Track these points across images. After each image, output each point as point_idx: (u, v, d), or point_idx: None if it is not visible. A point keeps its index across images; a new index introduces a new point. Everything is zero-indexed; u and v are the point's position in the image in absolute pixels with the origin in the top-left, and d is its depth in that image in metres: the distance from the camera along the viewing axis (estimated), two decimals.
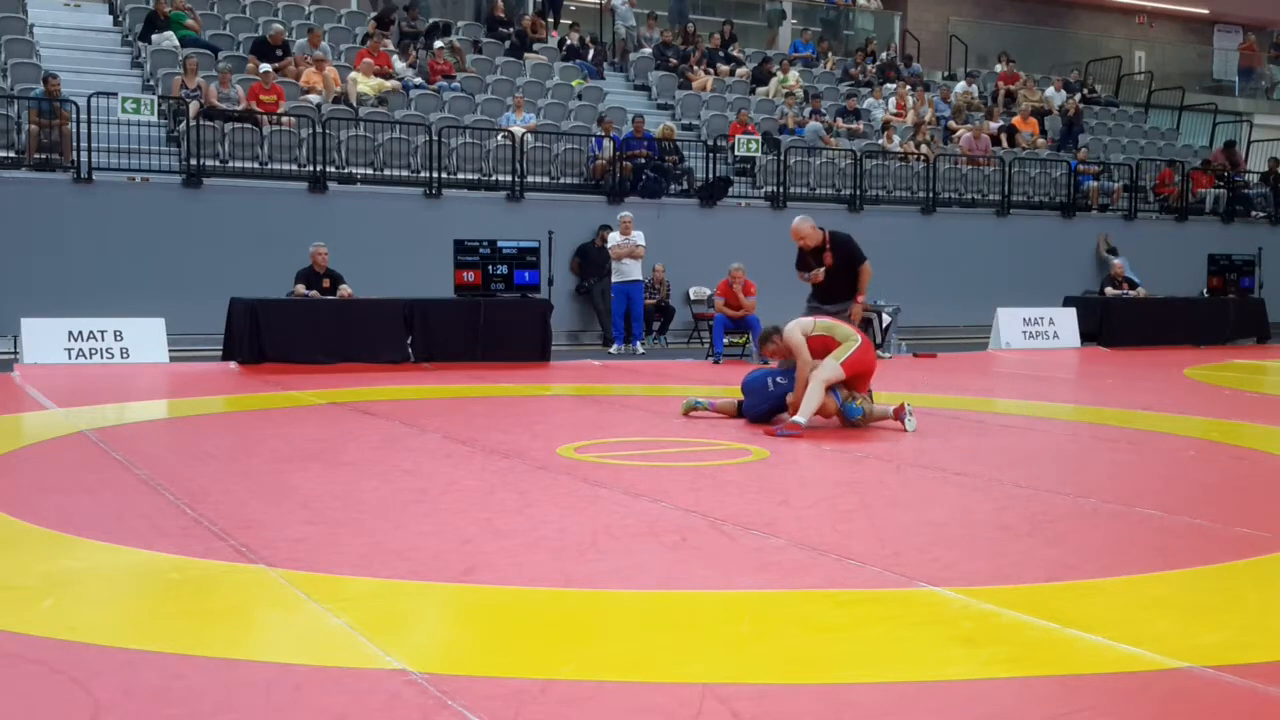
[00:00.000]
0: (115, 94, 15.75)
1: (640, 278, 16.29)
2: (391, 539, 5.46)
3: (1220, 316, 19.44)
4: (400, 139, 17.60)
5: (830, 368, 8.78)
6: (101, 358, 13.36)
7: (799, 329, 8.97)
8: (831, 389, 8.87)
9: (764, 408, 9.25)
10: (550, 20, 23.29)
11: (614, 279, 16.22)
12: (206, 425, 9.37)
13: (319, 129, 16.76)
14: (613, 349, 16.26)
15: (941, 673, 3.79)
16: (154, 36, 18.32)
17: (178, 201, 15.86)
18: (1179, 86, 28.78)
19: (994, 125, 23.48)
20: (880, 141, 21.72)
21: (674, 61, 22.96)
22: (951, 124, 23.35)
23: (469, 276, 14.35)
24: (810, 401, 8.69)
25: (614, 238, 16.21)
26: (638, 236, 16.09)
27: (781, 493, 6.78)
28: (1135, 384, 13.27)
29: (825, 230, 9.97)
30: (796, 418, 8.67)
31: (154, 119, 16.11)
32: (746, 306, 15.12)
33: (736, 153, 19.68)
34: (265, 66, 17.64)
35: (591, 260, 17.65)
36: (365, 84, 18.43)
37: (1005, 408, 11.08)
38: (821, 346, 8.88)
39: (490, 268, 14.40)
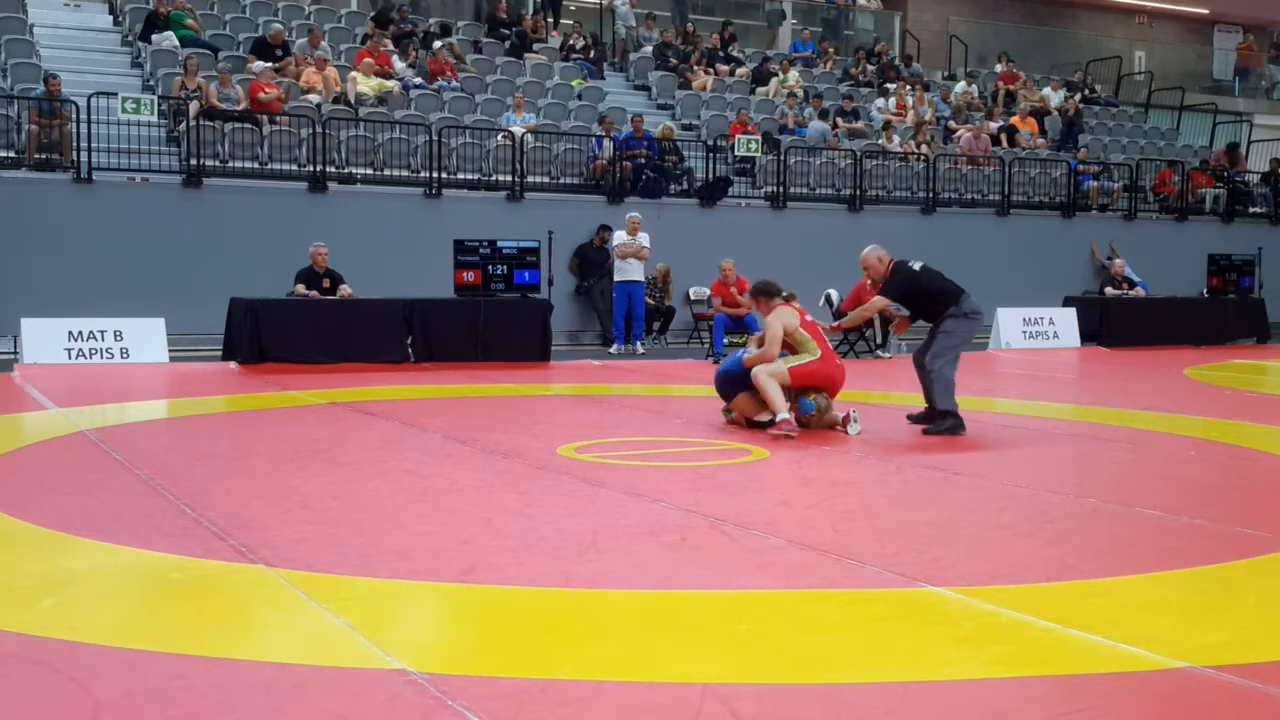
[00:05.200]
0: (115, 94, 15.75)
1: (641, 278, 16.28)
2: (391, 539, 5.46)
3: (1220, 316, 19.43)
4: (400, 139, 17.60)
5: (777, 368, 8.93)
6: (101, 358, 13.36)
7: (782, 319, 9.06)
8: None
9: (733, 369, 9.21)
10: (550, 20, 23.28)
11: (616, 278, 16.21)
12: (206, 425, 9.37)
13: (319, 129, 16.76)
14: (613, 349, 16.25)
15: (941, 673, 3.79)
16: (154, 36, 18.32)
17: (178, 201, 15.85)
18: (1179, 86, 28.76)
19: (994, 125, 23.47)
20: (880, 142, 21.72)
21: (674, 61, 22.96)
22: (951, 124, 23.34)
23: (469, 276, 14.35)
24: (774, 398, 8.79)
25: (620, 236, 16.19)
26: (644, 239, 16.06)
27: (781, 493, 6.78)
28: (1135, 384, 13.26)
29: (892, 261, 9.32)
30: (780, 416, 8.76)
31: (154, 119, 16.11)
32: (745, 305, 15.11)
33: (736, 153, 19.68)
34: (266, 65, 17.63)
35: (591, 260, 17.64)
36: (365, 84, 18.43)
37: (1005, 408, 11.07)
38: (790, 349, 9.06)
39: (490, 268, 14.40)
